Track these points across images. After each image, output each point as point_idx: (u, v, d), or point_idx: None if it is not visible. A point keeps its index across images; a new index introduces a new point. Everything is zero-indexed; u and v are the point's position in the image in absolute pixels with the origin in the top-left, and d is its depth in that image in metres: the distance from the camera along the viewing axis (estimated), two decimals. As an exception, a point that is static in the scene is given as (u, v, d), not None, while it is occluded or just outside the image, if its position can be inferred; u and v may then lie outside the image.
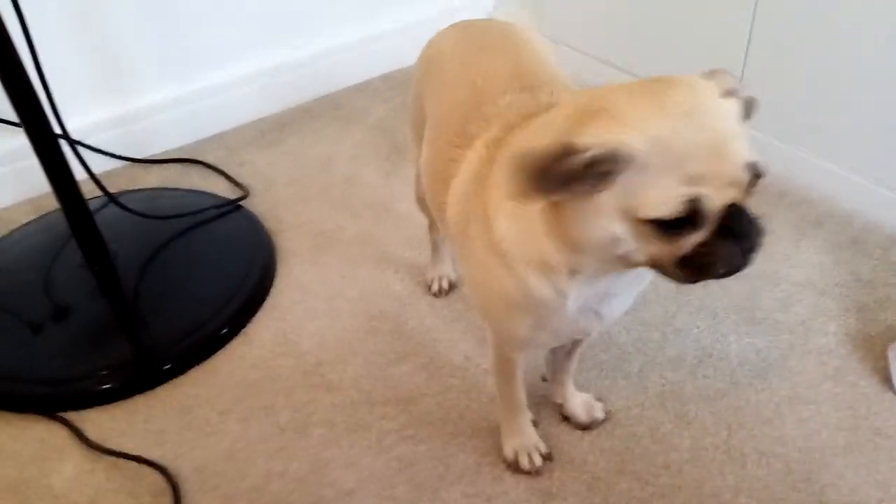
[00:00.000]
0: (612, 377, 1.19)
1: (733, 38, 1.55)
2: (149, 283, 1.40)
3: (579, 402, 1.12)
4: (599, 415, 1.12)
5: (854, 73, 1.40)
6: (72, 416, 1.18)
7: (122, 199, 1.41)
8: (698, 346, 1.23)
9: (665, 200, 0.63)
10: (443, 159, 0.90)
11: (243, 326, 1.33)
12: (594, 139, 0.63)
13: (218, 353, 1.28)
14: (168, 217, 1.49)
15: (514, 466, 1.06)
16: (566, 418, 1.12)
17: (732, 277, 0.70)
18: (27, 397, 1.21)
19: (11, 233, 1.55)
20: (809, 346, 1.22)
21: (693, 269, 0.67)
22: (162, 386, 1.22)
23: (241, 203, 1.60)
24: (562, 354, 1.08)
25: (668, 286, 1.34)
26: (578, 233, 0.70)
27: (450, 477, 1.06)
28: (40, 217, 1.58)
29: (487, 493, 1.03)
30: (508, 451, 1.07)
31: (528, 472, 1.05)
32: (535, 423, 1.10)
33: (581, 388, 1.16)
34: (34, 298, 1.37)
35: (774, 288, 1.33)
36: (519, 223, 0.77)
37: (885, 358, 1.17)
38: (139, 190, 1.65)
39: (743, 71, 1.55)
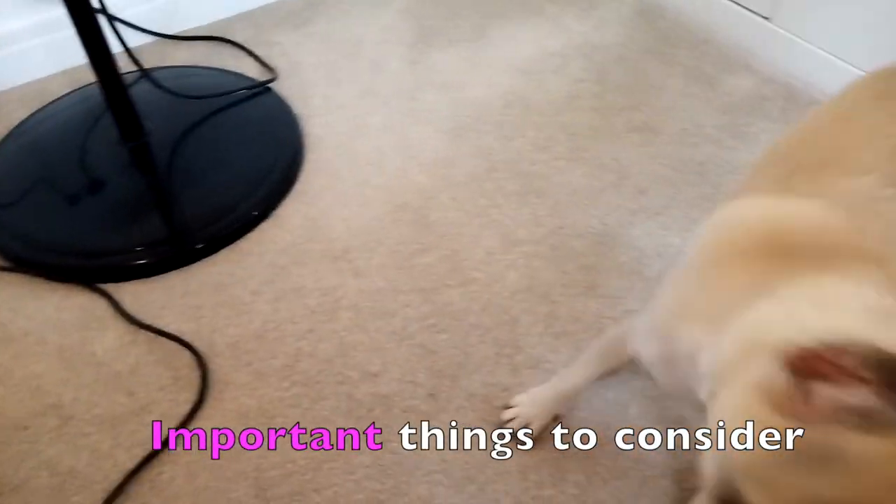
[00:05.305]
0: (631, 280, 1.22)
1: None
2: (181, 163, 1.42)
3: None
4: None
5: None
6: (111, 287, 1.24)
7: (153, 76, 1.42)
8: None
9: None
10: None
11: (273, 209, 1.36)
12: None
13: (248, 234, 1.32)
14: (200, 97, 1.50)
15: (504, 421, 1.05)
16: None
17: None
18: (67, 267, 1.27)
19: (47, 105, 1.57)
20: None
21: None
22: (196, 264, 1.27)
23: (269, 85, 1.60)
24: None
25: (689, 193, 1.36)
26: None
27: (469, 366, 1.12)
28: (75, 90, 1.59)
29: (505, 384, 1.09)
30: (511, 411, 1.05)
31: (510, 431, 1.04)
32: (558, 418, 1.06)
33: (595, 288, 1.20)
34: (70, 171, 1.41)
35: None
36: None
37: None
38: (169, 67, 1.64)
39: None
